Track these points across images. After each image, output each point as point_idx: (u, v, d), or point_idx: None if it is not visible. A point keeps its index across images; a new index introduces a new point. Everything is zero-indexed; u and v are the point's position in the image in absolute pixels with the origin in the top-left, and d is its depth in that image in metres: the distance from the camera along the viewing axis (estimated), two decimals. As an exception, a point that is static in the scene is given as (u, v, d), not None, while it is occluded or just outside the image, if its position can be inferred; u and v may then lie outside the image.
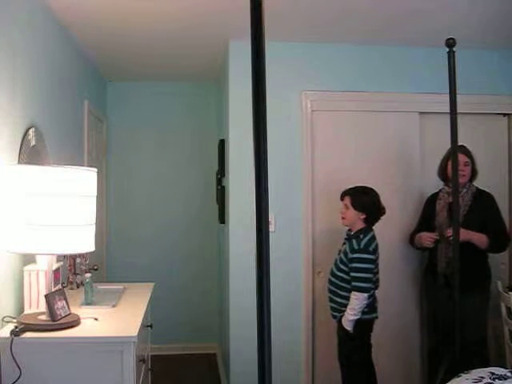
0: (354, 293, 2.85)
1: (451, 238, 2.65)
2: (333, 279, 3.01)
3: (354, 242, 2.92)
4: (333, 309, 3.02)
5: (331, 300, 3.02)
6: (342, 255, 2.97)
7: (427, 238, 3.20)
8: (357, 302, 2.83)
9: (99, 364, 1.95)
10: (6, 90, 2.16)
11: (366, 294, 2.84)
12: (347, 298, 2.89)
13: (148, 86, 4.77)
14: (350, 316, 2.85)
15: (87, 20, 3.05)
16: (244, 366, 3.35)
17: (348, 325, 2.86)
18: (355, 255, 2.88)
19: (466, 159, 3.14)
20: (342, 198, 3.05)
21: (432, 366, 3.29)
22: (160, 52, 3.79)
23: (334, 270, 3.01)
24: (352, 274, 2.87)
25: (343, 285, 2.93)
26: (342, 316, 2.91)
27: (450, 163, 3.07)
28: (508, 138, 3.75)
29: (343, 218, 3.03)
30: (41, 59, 2.67)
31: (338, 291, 2.95)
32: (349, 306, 2.86)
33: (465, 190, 3.15)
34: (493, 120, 3.73)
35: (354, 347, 2.95)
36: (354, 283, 2.86)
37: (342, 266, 2.94)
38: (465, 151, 3.12)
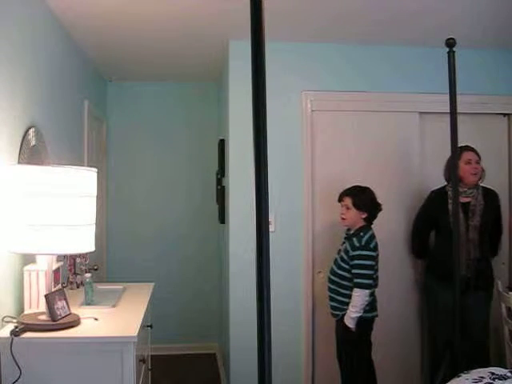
0: (355, 290, 2.87)
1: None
2: (334, 278, 3.01)
3: (355, 239, 2.94)
4: (334, 308, 3.02)
5: (332, 299, 3.03)
6: (342, 254, 2.98)
7: None
8: (358, 298, 2.85)
9: (99, 364, 1.95)
10: (6, 89, 2.16)
11: (367, 291, 2.86)
12: (349, 296, 2.91)
13: (148, 85, 4.77)
14: (353, 313, 2.86)
15: (87, 20, 3.05)
16: (244, 366, 3.35)
17: (350, 322, 2.87)
18: (356, 252, 2.90)
19: (477, 157, 3.14)
20: (340, 200, 3.06)
21: (432, 367, 3.28)
22: (160, 52, 3.79)
23: (335, 268, 3.02)
24: (353, 271, 2.90)
25: (344, 283, 2.94)
26: (343, 314, 2.92)
27: (461, 163, 3.10)
28: (508, 137, 3.75)
29: (344, 219, 3.04)
30: (41, 59, 2.67)
31: (340, 289, 2.96)
32: (351, 304, 2.87)
33: (475, 191, 3.16)
34: (493, 120, 3.72)
35: (355, 346, 2.95)
36: (355, 280, 2.88)
37: (343, 265, 2.96)
38: (474, 150, 3.13)
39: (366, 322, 2.93)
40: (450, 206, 3.16)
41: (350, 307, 2.88)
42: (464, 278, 3.00)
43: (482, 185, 3.22)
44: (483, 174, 3.21)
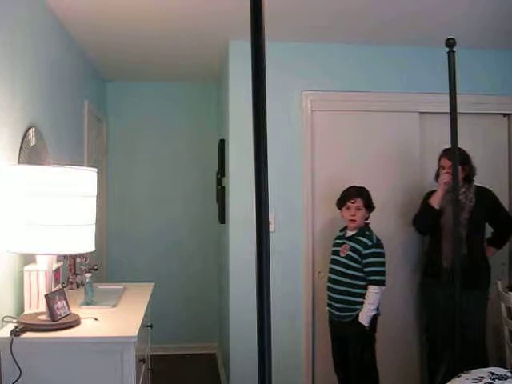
0: (373, 287, 2.91)
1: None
2: (342, 279, 3.00)
3: (363, 238, 2.99)
4: (341, 309, 3.00)
5: (339, 301, 3.01)
6: (351, 253, 2.99)
7: (444, 175, 3.13)
8: (376, 295, 2.90)
9: (99, 364, 1.95)
10: (6, 90, 2.16)
11: (383, 287, 2.92)
12: (361, 295, 2.93)
13: (148, 85, 4.77)
14: (371, 311, 2.90)
15: (87, 20, 3.06)
16: (244, 366, 3.35)
17: (367, 321, 2.89)
18: (371, 250, 2.95)
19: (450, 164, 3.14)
20: (350, 201, 3.05)
21: (432, 367, 3.29)
22: (160, 52, 3.79)
23: (342, 269, 3.01)
24: (370, 269, 2.93)
25: (356, 282, 2.96)
26: (357, 314, 2.92)
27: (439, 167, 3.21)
28: (508, 137, 3.75)
29: (354, 221, 3.04)
30: (41, 59, 2.67)
31: (351, 289, 2.97)
32: (368, 301, 2.90)
33: (464, 189, 3.17)
34: (493, 120, 3.73)
35: (368, 343, 2.98)
36: (372, 277, 2.92)
37: (354, 264, 2.97)
38: (450, 156, 3.11)
39: (375, 320, 2.97)
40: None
41: (366, 305, 2.90)
42: (449, 272, 3.03)
43: (476, 184, 3.23)
44: (472, 174, 3.21)
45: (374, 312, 2.91)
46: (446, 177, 3.12)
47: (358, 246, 2.98)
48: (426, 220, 3.32)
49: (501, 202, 3.31)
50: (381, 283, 2.92)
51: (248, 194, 3.04)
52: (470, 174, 3.21)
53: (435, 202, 3.21)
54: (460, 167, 3.13)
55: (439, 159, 3.25)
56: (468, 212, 3.14)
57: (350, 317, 2.96)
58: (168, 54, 3.86)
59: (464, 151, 3.15)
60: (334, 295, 3.04)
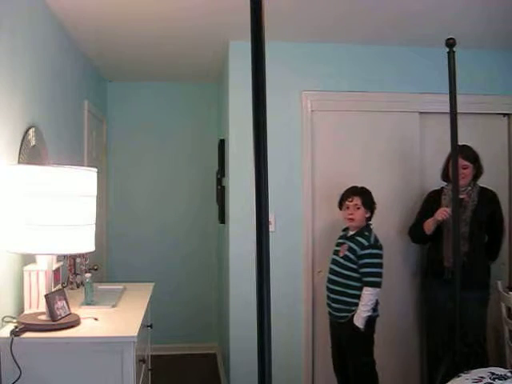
0: (367, 288, 2.88)
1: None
2: (338, 279, 3.00)
3: (361, 239, 2.96)
4: (338, 310, 3.00)
5: (336, 301, 3.00)
6: (348, 253, 2.98)
7: (442, 212, 3.09)
8: (370, 297, 2.87)
9: (99, 364, 1.95)
10: (6, 90, 2.16)
11: (378, 289, 2.89)
12: (356, 297, 2.91)
13: (148, 85, 4.77)
14: (364, 313, 2.87)
15: (87, 20, 3.06)
16: (244, 366, 3.35)
17: (361, 323, 2.87)
18: (367, 251, 2.92)
19: (465, 163, 3.11)
20: (346, 200, 3.05)
21: (432, 367, 3.29)
22: (160, 52, 3.79)
23: (339, 269, 3.00)
24: (364, 270, 2.90)
25: (352, 283, 2.94)
26: (352, 315, 2.91)
27: (449, 166, 3.12)
28: (508, 137, 3.75)
29: (352, 220, 3.03)
30: (41, 59, 2.67)
31: (347, 290, 2.95)
32: (362, 303, 2.87)
33: (469, 188, 3.17)
34: (493, 120, 3.73)
35: (363, 346, 2.96)
36: (367, 279, 2.89)
37: (350, 265, 2.96)
38: (465, 155, 3.11)
39: (373, 321, 2.95)
40: (442, 202, 3.21)
41: (360, 307, 2.87)
42: (451, 272, 3.02)
43: (480, 185, 3.23)
44: (479, 174, 3.20)
45: (369, 314, 2.88)
46: (443, 214, 3.08)
47: (355, 247, 2.97)
48: (417, 239, 3.42)
49: (501, 208, 3.29)
50: (375, 285, 2.88)
51: (248, 194, 3.04)
52: (478, 172, 3.20)
53: (428, 228, 3.22)
54: (472, 165, 3.15)
55: (448, 157, 3.16)
56: (471, 211, 3.14)
57: (346, 317, 2.95)
58: (168, 54, 3.86)
59: (474, 150, 3.16)
60: (332, 295, 3.04)
